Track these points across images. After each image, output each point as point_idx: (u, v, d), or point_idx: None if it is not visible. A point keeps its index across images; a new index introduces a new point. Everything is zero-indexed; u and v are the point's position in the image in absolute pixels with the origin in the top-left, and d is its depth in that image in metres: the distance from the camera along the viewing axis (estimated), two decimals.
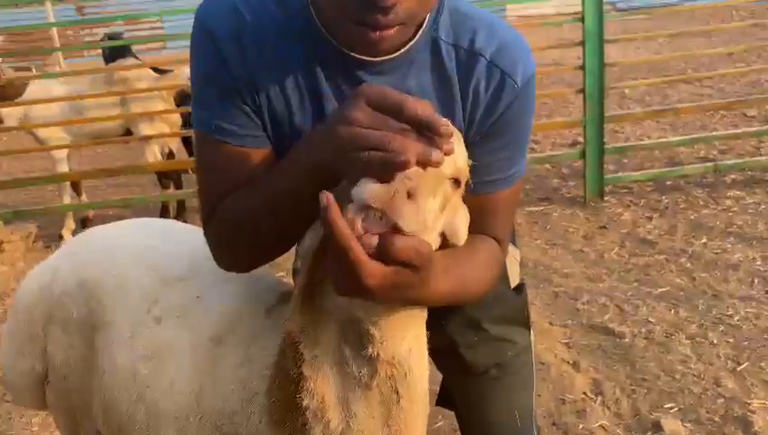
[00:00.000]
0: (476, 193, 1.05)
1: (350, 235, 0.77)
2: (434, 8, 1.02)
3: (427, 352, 1.05)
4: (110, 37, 6.50)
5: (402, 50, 1.02)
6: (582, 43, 4.22)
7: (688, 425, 2.23)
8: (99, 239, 1.51)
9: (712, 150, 5.00)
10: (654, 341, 2.74)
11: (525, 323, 1.38)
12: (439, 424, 2.28)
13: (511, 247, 1.33)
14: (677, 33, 6.98)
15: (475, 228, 1.04)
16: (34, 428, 2.63)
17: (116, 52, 5.74)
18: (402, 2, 0.88)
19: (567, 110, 6.85)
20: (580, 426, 2.29)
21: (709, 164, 4.52)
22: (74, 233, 4.68)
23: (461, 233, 0.98)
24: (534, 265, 3.59)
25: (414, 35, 1.02)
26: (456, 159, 0.90)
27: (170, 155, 5.02)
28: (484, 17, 1.08)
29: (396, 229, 0.79)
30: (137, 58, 5.80)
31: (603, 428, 2.28)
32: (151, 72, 4.97)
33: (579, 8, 4.24)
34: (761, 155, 4.77)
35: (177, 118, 4.87)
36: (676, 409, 2.32)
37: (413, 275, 0.83)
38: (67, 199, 5.05)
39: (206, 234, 1.12)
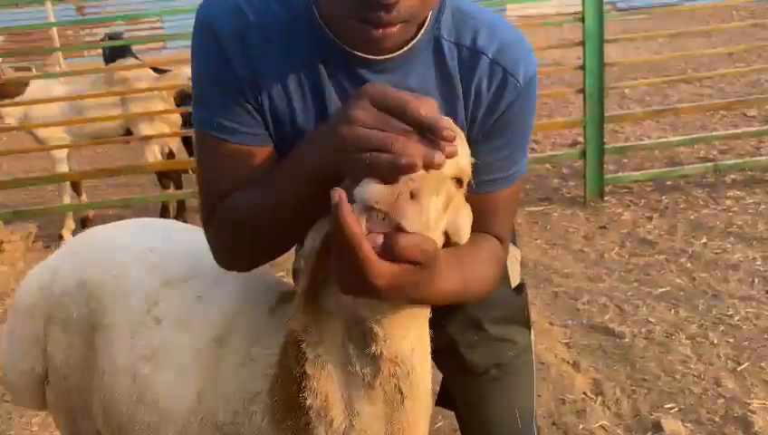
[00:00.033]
0: (477, 192, 1.05)
1: (361, 233, 0.76)
2: (436, 7, 1.02)
3: (429, 352, 1.05)
4: (111, 37, 6.49)
5: (404, 48, 1.02)
6: (582, 43, 4.22)
7: (689, 425, 2.23)
8: (99, 239, 1.51)
9: (712, 150, 5.00)
10: (654, 341, 2.74)
11: (526, 323, 1.38)
12: (439, 424, 2.28)
13: (511, 247, 1.33)
14: (677, 33, 6.98)
15: (477, 227, 1.04)
16: (34, 428, 2.63)
17: (116, 52, 5.74)
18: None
19: (567, 110, 6.85)
20: (581, 426, 2.29)
21: (709, 164, 4.52)
22: (74, 233, 4.68)
23: (464, 232, 0.98)
24: (534, 265, 3.59)
25: (416, 34, 1.02)
26: (459, 158, 0.90)
27: (170, 155, 5.02)
28: (485, 16, 1.08)
29: (399, 229, 0.79)
30: (137, 58, 5.80)
31: (603, 428, 2.28)
32: (151, 72, 4.96)
33: (579, 8, 4.24)
34: (761, 155, 4.77)
35: (177, 118, 4.87)
36: (676, 409, 2.32)
37: (419, 273, 0.83)
38: (67, 199, 5.05)
39: (206, 233, 1.12)
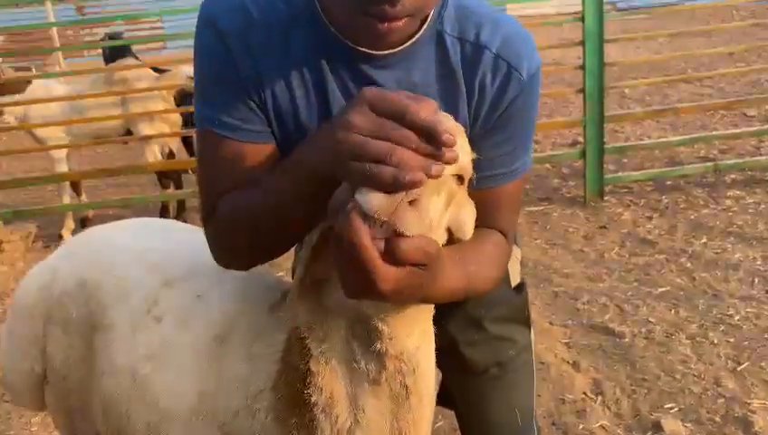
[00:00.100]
0: (480, 187, 1.05)
1: (367, 238, 0.77)
2: (438, 2, 1.02)
3: (434, 348, 1.05)
4: (111, 37, 6.49)
5: (407, 43, 1.02)
6: (582, 43, 4.22)
7: (689, 425, 2.23)
8: (98, 239, 1.51)
9: (712, 150, 5.00)
10: (654, 341, 2.74)
11: (526, 323, 1.38)
12: (439, 424, 2.28)
13: None
14: (677, 33, 6.99)
15: (481, 222, 1.04)
16: (34, 428, 2.63)
17: (116, 52, 5.74)
18: None
19: (567, 109, 6.85)
20: (581, 426, 2.29)
21: (709, 164, 4.52)
22: (74, 233, 4.68)
23: (467, 228, 0.98)
24: (534, 264, 3.59)
25: (418, 29, 1.02)
26: (460, 155, 0.90)
27: (170, 155, 5.02)
28: (488, 12, 1.08)
29: (400, 234, 0.79)
30: (137, 58, 5.80)
31: (603, 428, 2.28)
32: (151, 71, 4.96)
33: (579, 8, 4.24)
34: (761, 155, 4.77)
35: (177, 118, 4.87)
36: (676, 409, 2.32)
37: (423, 275, 0.83)
38: (67, 199, 5.05)
39: (205, 232, 1.12)
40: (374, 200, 0.76)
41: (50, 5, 11.31)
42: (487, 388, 1.35)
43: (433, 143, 0.78)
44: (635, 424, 2.28)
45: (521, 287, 1.39)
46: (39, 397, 1.48)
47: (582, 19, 4.19)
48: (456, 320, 1.27)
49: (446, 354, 1.28)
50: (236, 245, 1.09)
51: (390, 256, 0.79)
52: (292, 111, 1.06)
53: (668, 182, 4.56)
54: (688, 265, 3.40)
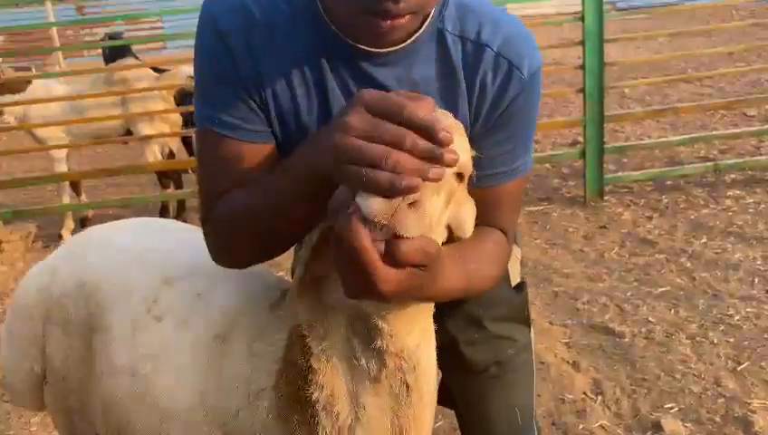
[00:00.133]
0: (481, 186, 1.05)
1: (368, 241, 0.77)
2: (440, 0, 1.02)
3: (435, 345, 1.05)
4: (111, 37, 6.49)
5: (408, 41, 1.02)
6: (582, 43, 4.22)
7: (689, 425, 2.23)
8: (98, 239, 1.51)
9: (712, 150, 5.00)
10: (654, 341, 2.74)
11: (526, 322, 1.38)
12: (439, 423, 2.28)
13: None
14: (677, 33, 6.98)
15: (481, 221, 1.04)
16: (33, 428, 2.63)
17: (116, 52, 5.74)
18: None
19: (567, 109, 6.85)
20: (580, 426, 2.29)
21: (709, 164, 4.52)
22: (74, 233, 4.68)
23: (467, 226, 0.98)
24: (534, 264, 3.59)
25: (419, 27, 1.02)
26: (459, 153, 0.89)
27: (170, 155, 5.02)
28: (489, 10, 1.08)
29: (400, 235, 0.79)
30: (137, 58, 5.80)
31: (603, 428, 2.28)
32: (151, 71, 4.96)
33: (579, 8, 4.24)
34: (761, 154, 4.77)
35: (177, 117, 4.87)
36: (676, 409, 2.32)
37: (424, 275, 0.84)
38: (66, 199, 5.05)
39: (204, 231, 1.12)
40: (373, 205, 0.76)
41: (50, 5, 11.32)
42: (487, 387, 1.35)
43: (431, 142, 0.77)
44: (635, 424, 2.28)
45: (521, 287, 1.39)
46: (38, 397, 1.48)
47: (582, 19, 4.19)
48: (456, 319, 1.27)
49: (446, 353, 1.28)
50: (235, 244, 1.09)
51: (391, 257, 0.79)
52: (293, 111, 1.06)
53: (668, 182, 4.56)
54: (688, 264, 3.40)
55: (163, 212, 5.01)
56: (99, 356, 1.30)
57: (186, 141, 5.08)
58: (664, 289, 3.17)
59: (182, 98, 4.76)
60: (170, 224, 1.66)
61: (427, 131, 0.77)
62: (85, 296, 1.34)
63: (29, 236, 4.69)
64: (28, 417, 2.66)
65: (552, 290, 3.28)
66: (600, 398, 2.43)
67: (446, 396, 1.44)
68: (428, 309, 1.03)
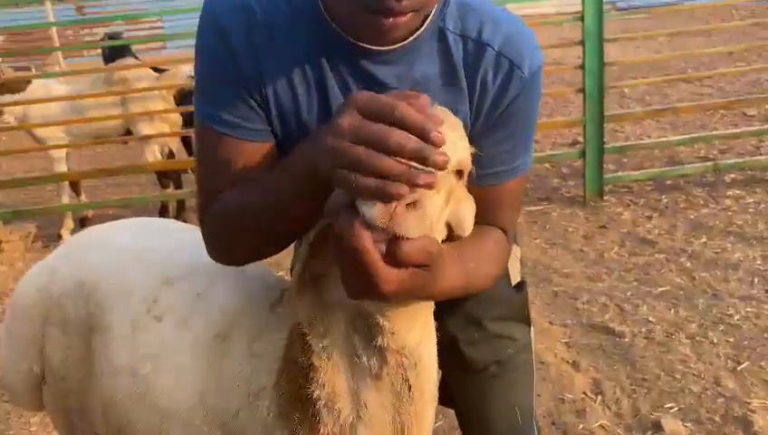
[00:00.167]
0: (481, 185, 1.05)
1: (369, 242, 0.77)
2: None
3: (435, 342, 1.06)
4: (110, 37, 6.49)
5: (409, 39, 1.01)
6: (582, 43, 4.22)
7: (688, 425, 2.23)
8: (97, 239, 1.51)
9: (712, 150, 5.00)
10: (654, 340, 2.73)
11: (526, 321, 1.38)
12: (439, 423, 2.28)
13: None
14: (677, 33, 6.99)
15: (481, 219, 1.04)
16: (33, 428, 2.63)
17: (115, 51, 5.74)
18: None
19: (567, 109, 6.85)
20: (580, 426, 2.29)
21: (709, 163, 4.52)
22: (73, 233, 4.67)
23: (466, 223, 0.98)
24: (534, 264, 3.59)
25: (420, 26, 1.02)
26: (458, 150, 0.89)
27: (170, 155, 5.02)
28: (490, 10, 1.08)
29: (401, 236, 0.79)
30: (136, 58, 5.80)
31: (603, 427, 2.28)
32: (151, 71, 4.96)
33: (579, 7, 4.23)
34: (761, 154, 4.77)
35: (176, 117, 4.87)
36: (676, 408, 2.32)
37: (425, 275, 0.84)
38: (66, 199, 5.05)
39: (202, 228, 1.13)
40: (372, 212, 0.76)
41: (49, 5, 11.32)
42: (487, 386, 1.35)
43: (424, 142, 0.76)
44: (635, 424, 2.28)
45: (521, 286, 1.39)
46: (38, 397, 1.48)
47: (582, 18, 4.19)
48: (456, 318, 1.27)
49: (446, 353, 1.29)
50: (233, 242, 1.09)
51: (393, 258, 0.79)
52: (294, 110, 1.06)
53: (668, 182, 4.56)
54: (688, 264, 3.40)
55: (163, 212, 5.01)
56: (98, 356, 1.30)
57: (185, 141, 5.08)
58: (664, 289, 3.17)
59: (182, 98, 4.76)
60: (170, 224, 1.66)
61: (419, 131, 0.76)
62: (85, 296, 1.34)
63: (29, 236, 4.69)
64: (28, 417, 2.66)
65: (551, 290, 3.28)
66: (599, 398, 2.43)
67: (445, 395, 1.45)
68: (429, 306, 1.03)
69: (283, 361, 1.07)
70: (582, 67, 4.27)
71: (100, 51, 7.17)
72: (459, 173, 0.93)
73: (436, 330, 1.07)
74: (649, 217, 4.06)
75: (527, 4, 5.73)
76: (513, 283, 1.38)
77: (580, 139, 4.75)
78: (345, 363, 0.99)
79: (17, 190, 5.60)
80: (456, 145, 0.89)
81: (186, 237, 1.46)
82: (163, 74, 4.96)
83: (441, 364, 1.37)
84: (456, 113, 0.99)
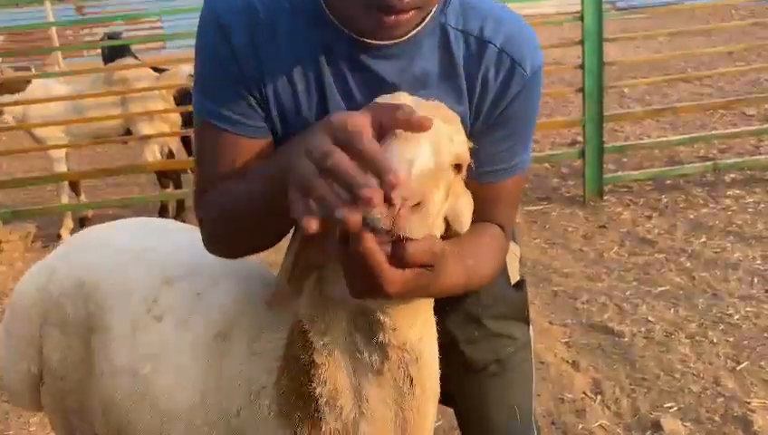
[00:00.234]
0: (479, 182, 1.05)
1: (373, 243, 0.77)
2: None
3: (436, 337, 1.06)
4: (110, 37, 6.49)
5: (409, 34, 1.02)
6: (582, 42, 4.22)
7: (688, 424, 2.23)
8: (96, 239, 1.51)
9: (711, 149, 5.00)
10: (654, 340, 2.73)
11: (525, 320, 1.38)
12: (439, 423, 2.28)
13: (511, 244, 1.33)
14: (677, 32, 6.99)
15: (479, 216, 1.04)
16: (32, 428, 2.63)
17: (115, 51, 5.74)
18: None
19: (566, 109, 6.85)
20: (580, 426, 2.29)
21: (709, 163, 4.52)
22: (73, 233, 4.67)
23: (464, 219, 0.98)
24: (534, 264, 3.59)
25: (422, 21, 1.02)
26: (455, 144, 0.90)
27: (170, 155, 5.02)
28: (492, 8, 1.08)
29: (405, 237, 0.79)
30: (136, 58, 5.80)
31: (603, 427, 2.28)
32: (151, 71, 4.96)
33: (578, 7, 4.24)
34: (760, 154, 4.77)
35: (176, 117, 4.87)
36: (675, 408, 2.32)
37: (428, 275, 0.85)
38: (65, 199, 5.05)
39: (196, 213, 1.15)
40: (376, 211, 0.76)
41: (49, 5, 11.31)
42: (487, 385, 1.35)
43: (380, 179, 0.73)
44: (634, 423, 2.28)
45: (520, 285, 1.39)
46: (37, 397, 1.48)
47: (582, 18, 4.19)
48: (456, 317, 1.27)
49: (446, 352, 1.29)
50: (222, 233, 1.11)
51: (398, 259, 0.79)
52: (295, 108, 1.06)
53: (668, 181, 4.56)
54: (688, 264, 3.40)
55: (162, 212, 5.01)
56: (98, 356, 1.30)
57: (185, 141, 5.08)
58: (663, 288, 3.17)
59: (182, 97, 4.76)
60: (170, 224, 1.66)
61: (375, 171, 0.73)
62: (84, 297, 1.34)
63: (28, 236, 4.69)
64: (27, 417, 2.66)
65: (551, 290, 3.28)
66: (599, 397, 2.43)
67: (445, 395, 1.45)
68: (429, 303, 1.04)
69: (283, 359, 1.07)
70: (582, 67, 4.27)
71: (99, 51, 7.17)
72: (457, 167, 0.93)
73: (436, 329, 1.07)
74: (649, 217, 4.06)
75: (527, 3, 5.73)
76: (513, 282, 1.38)
77: (580, 138, 4.75)
78: (346, 360, 0.99)
79: (17, 190, 5.60)
80: (452, 139, 0.89)
81: (185, 237, 1.46)
82: (163, 74, 4.96)
83: (440, 363, 1.38)
84: (453, 110, 0.99)
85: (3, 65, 5.01)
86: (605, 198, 4.40)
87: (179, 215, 4.97)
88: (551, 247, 3.82)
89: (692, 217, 3.99)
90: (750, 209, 3.98)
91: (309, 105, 1.06)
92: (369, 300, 0.92)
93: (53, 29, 11.52)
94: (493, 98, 1.07)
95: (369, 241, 0.77)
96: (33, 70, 8.53)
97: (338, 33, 1.01)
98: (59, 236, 4.78)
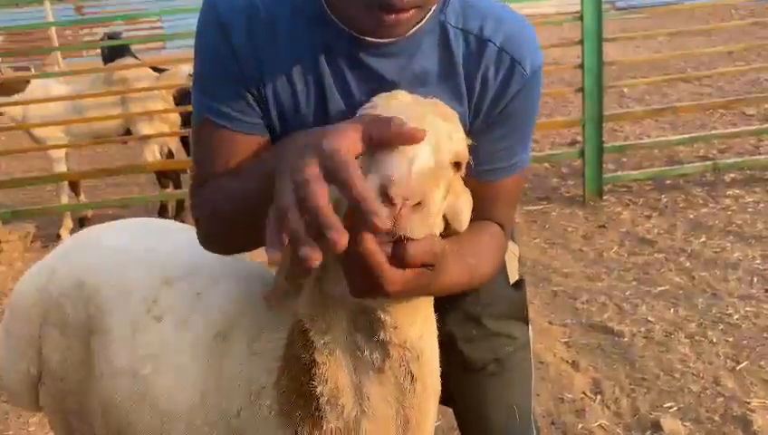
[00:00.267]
0: (479, 181, 1.06)
1: (373, 244, 0.77)
2: None
3: (436, 335, 1.06)
4: (110, 37, 6.49)
5: (408, 33, 1.02)
6: (581, 42, 4.22)
7: (688, 424, 2.23)
8: (96, 239, 1.51)
9: (711, 149, 5.00)
10: (653, 340, 2.74)
11: (524, 319, 1.38)
12: (438, 423, 2.28)
13: (510, 243, 1.33)
14: (677, 32, 6.99)
15: (478, 215, 1.04)
16: (31, 428, 2.63)
17: (115, 51, 5.74)
18: None
19: (566, 109, 6.85)
20: (580, 425, 2.29)
21: (708, 163, 4.53)
22: (72, 233, 4.66)
23: (463, 217, 0.98)
24: (533, 264, 3.59)
25: (422, 19, 1.02)
26: (455, 143, 0.90)
27: (169, 155, 5.02)
28: (492, 6, 1.08)
29: (406, 237, 0.79)
30: (136, 58, 5.80)
31: (602, 427, 2.28)
32: (151, 71, 4.96)
33: (578, 7, 4.24)
34: (760, 154, 4.77)
35: (176, 117, 4.87)
36: (675, 408, 2.32)
37: (429, 274, 0.85)
38: (65, 199, 5.05)
39: (190, 207, 1.15)
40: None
41: (49, 5, 11.31)
42: (486, 385, 1.35)
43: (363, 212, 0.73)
44: (634, 423, 2.28)
45: (519, 284, 1.39)
46: (36, 398, 1.48)
47: (581, 18, 4.19)
48: (455, 316, 1.27)
49: (445, 351, 1.29)
50: (218, 232, 1.11)
51: (399, 260, 0.80)
52: (293, 107, 1.07)
53: (668, 181, 4.56)
54: (687, 264, 3.40)
55: (162, 212, 5.01)
56: (98, 358, 1.30)
57: (185, 141, 5.08)
58: (663, 288, 3.17)
59: (181, 97, 4.77)
60: (169, 224, 1.66)
61: (361, 212, 0.72)
62: (84, 299, 1.33)
63: (28, 237, 4.69)
64: (26, 417, 2.66)
65: (551, 289, 3.28)
66: (599, 397, 2.43)
67: (444, 394, 1.44)
68: (429, 300, 1.04)
69: (283, 359, 1.07)
70: (582, 67, 4.28)
71: (99, 51, 7.17)
72: (457, 165, 0.93)
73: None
74: (649, 217, 4.07)
75: (527, 3, 5.73)
76: (512, 281, 1.38)
77: (580, 138, 4.75)
78: (347, 358, 0.99)
79: (16, 190, 5.60)
80: (451, 137, 0.89)
81: (185, 238, 1.45)
82: (163, 74, 4.96)
83: (440, 363, 1.38)
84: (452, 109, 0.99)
85: (2, 65, 5.00)
86: (605, 197, 4.40)
87: (179, 215, 4.97)
88: (550, 247, 3.82)
89: (692, 216, 3.99)
90: (750, 209, 3.98)
91: (307, 103, 1.06)
92: (370, 299, 0.92)
93: (53, 29, 11.52)
94: (492, 97, 1.07)
95: (370, 242, 0.77)
96: (32, 70, 8.53)
97: (338, 32, 1.01)
98: (58, 237, 4.78)
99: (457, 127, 0.94)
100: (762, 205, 4.01)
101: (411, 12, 0.91)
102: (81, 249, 1.48)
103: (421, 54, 1.04)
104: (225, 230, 1.10)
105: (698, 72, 6.77)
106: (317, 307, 0.99)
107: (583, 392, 2.47)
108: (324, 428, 1.01)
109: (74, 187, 5.21)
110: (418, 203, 0.78)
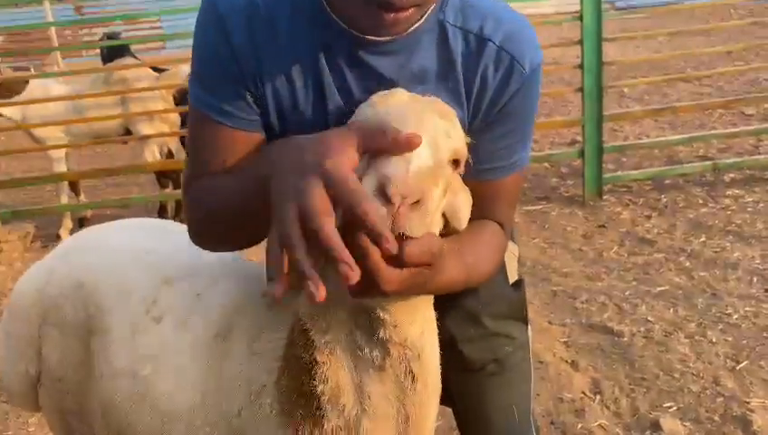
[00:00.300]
0: (478, 180, 1.06)
1: (369, 243, 0.77)
2: None
3: (437, 333, 1.06)
4: (109, 37, 6.48)
5: (408, 31, 1.02)
6: (581, 42, 4.22)
7: (687, 424, 2.23)
8: (95, 240, 1.51)
9: (711, 149, 5.00)
10: (653, 340, 2.74)
11: (524, 319, 1.38)
12: (438, 423, 2.27)
13: (509, 243, 1.33)
14: (676, 32, 6.99)
15: (478, 213, 1.05)
16: (31, 428, 2.63)
17: (114, 51, 5.74)
18: None
19: (566, 109, 6.85)
20: (579, 425, 2.29)
21: (708, 163, 4.53)
22: (72, 233, 4.66)
23: (462, 215, 0.98)
24: (533, 264, 3.59)
25: (421, 17, 1.02)
26: (454, 141, 0.90)
27: (169, 154, 5.02)
28: (492, 5, 1.08)
29: (404, 236, 0.79)
30: (135, 58, 5.79)
31: (602, 427, 2.28)
32: (151, 71, 4.96)
33: (578, 7, 4.24)
34: (759, 153, 4.77)
35: (176, 117, 4.87)
36: (675, 408, 2.32)
37: (426, 273, 0.85)
38: (64, 199, 5.05)
39: (183, 199, 1.15)
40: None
41: (48, 5, 11.30)
42: (485, 385, 1.35)
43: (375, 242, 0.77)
44: (634, 423, 2.28)
45: (518, 284, 1.39)
46: (35, 398, 1.48)
47: (581, 18, 4.19)
48: (454, 316, 1.27)
49: (444, 351, 1.29)
50: (212, 231, 1.11)
51: (396, 260, 0.80)
52: (293, 105, 1.07)
53: (667, 181, 4.56)
54: (687, 264, 3.40)
55: (162, 212, 5.01)
56: (98, 359, 1.30)
57: (184, 141, 5.07)
58: (663, 288, 3.17)
59: (181, 97, 4.76)
60: (169, 224, 1.66)
61: (372, 236, 0.76)
62: (83, 299, 1.33)
63: (27, 237, 4.69)
64: (26, 417, 2.66)
65: (550, 289, 3.28)
66: (598, 397, 2.43)
67: (444, 394, 1.44)
68: (429, 298, 1.04)
69: (283, 359, 1.07)
70: (581, 66, 4.28)
71: (98, 51, 7.16)
72: (455, 163, 0.93)
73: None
74: (648, 217, 4.07)
75: (527, 3, 5.73)
76: (511, 281, 1.38)
77: (579, 138, 4.75)
78: (348, 357, 1.00)
79: (16, 190, 5.60)
80: (450, 135, 0.89)
81: (184, 238, 1.45)
82: (163, 74, 4.96)
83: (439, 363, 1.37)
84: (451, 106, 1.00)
85: (2, 65, 5.00)
86: (604, 197, 4.40)
87: (179, 215, 4.97)
88: (550, 247, 3.82)
89: (691, 216, 3.99)
90: (749, 209, 3.98)
91: (306, 100, 1.06)
92: (368, 298, 0.92)
93: (52, 29, 11.51)
94: (491, 95, 1.07)
95: (366, 241, 0.77)
96: (32, 70, 8.52)
97: (338, 31, 1.01)
98: (58, 237, 4.77)
99: (455, 125, 0.94)
100: (761, 205, 4.01)
101: (410, 10, 0.92)
102: (81, 250, 1.48)
103: (420, 53, 1.05)
104: (215, 228, 1.10)
105: (698, 71, 6.77)
106: (317, 307, 0.99)
107: (583, 392, 2.47)
108: (325, 427, 1.02)
109: (74, 187, 5.21)
110: (417, 201, 0.78)
